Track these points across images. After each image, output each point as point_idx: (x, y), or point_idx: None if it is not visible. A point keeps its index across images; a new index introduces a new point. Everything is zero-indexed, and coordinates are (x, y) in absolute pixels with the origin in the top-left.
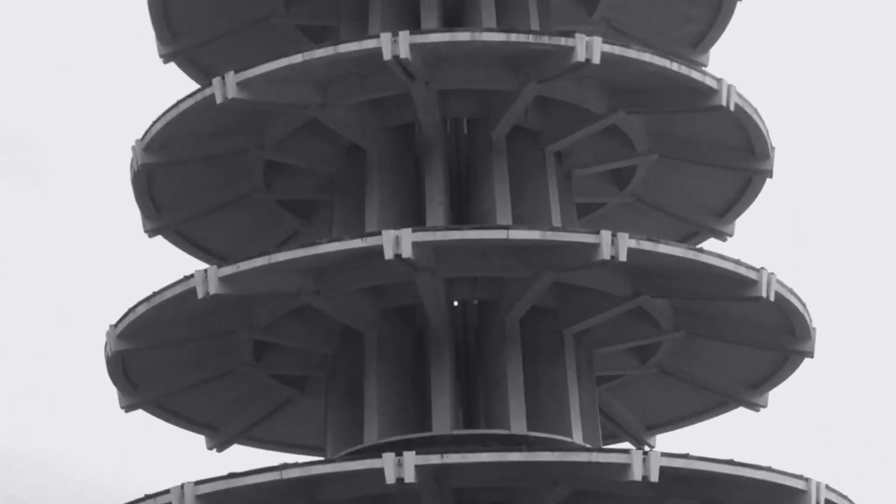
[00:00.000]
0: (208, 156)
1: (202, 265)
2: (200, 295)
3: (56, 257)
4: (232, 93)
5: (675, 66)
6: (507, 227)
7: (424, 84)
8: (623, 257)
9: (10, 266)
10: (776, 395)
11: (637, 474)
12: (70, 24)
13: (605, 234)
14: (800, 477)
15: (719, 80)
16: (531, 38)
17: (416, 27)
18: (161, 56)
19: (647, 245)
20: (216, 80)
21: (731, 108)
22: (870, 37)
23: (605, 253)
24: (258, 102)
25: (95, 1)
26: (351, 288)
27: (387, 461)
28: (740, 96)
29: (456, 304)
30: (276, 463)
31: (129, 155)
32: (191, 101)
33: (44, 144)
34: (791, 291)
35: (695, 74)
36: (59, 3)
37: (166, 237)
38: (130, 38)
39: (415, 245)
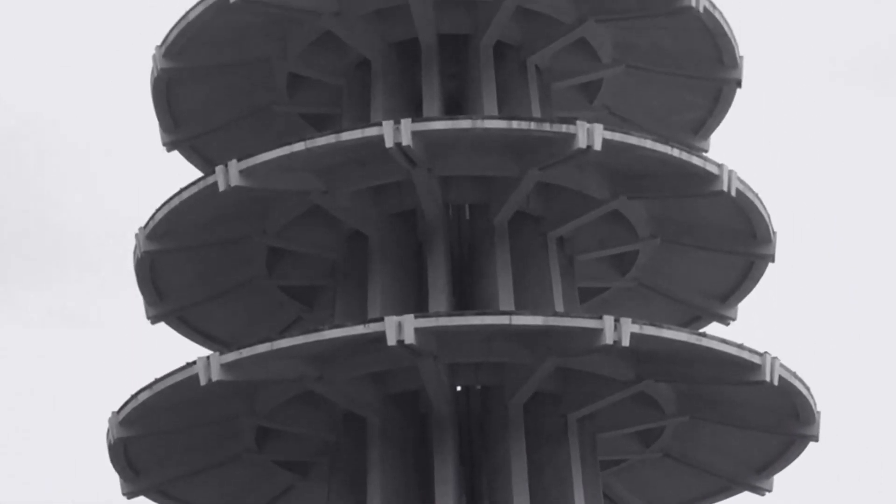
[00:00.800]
0: (211, 243)
1: (205, 351)
2: (203, 381)
3: (60, 344)
4: (235, 180)
5: (675, 152)
6: (509, 313)
7: (426, 171)
8: (626, 342)
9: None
10: (781, 479)
11: None
12: (75, 109)
13: (608, 320)
14: None
15: (720, 166)
16: (533, 126)
17: (417, 114)
18: (164, 144)
19: (650, 330)
20: (219, 168)
21: (733, 193)
22: (871, 123)
23: (609, 338)
24: (261, 190)
25: (99, 88)
26: (353, 374)
27: None
28: (741, 182)
29: (459, 389)
30: None
31: (132, 242)
32: (194, 189)
33: (47, 230)
34: (795, 375)
35: (696, 160)
36: (63, 88)
37: (169, 324)
38: (134, 126)
39: (417, 331)
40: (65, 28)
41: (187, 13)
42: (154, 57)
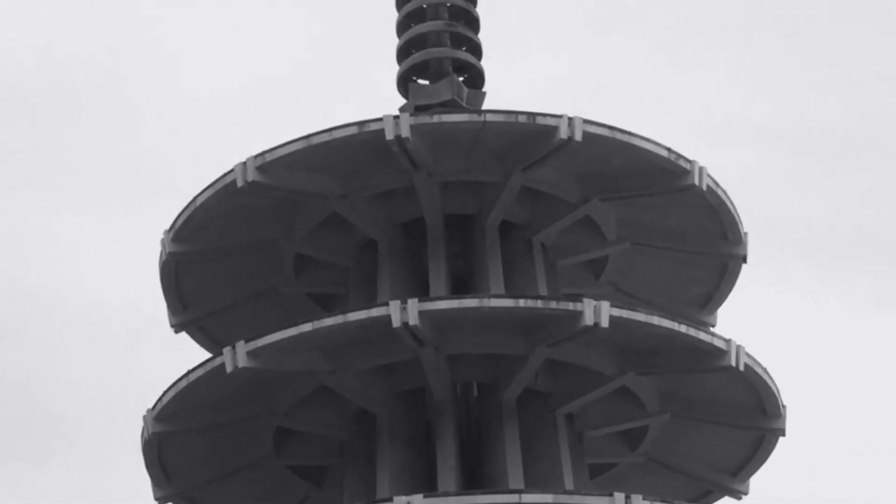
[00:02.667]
0: (218, 423)
1: None
2: None
3: None
4: (242, 362)
5: (683, 328)
6: (519, 491)
7: (434, 350)
8: None
9: None
10: None
11: None
12: (82, 290)
13: (619, 497)
14: None
15: (728, 341)
16: (540, 304)
17: (424, 293)
18: (172, 326)
19: None
20: (226, 350)
21: (741, 368)
22: (875, 295)
23: None
24: (268, 371)
25: (106, 266)
26: None
27: None
28: (749, 356)
29: None
30: None
31: (139, 424)
32: (201, 371)
33: (53, 412)
34: None
35: (703, 336)
36: (70, 268)
37: None
38: (143, 308)
39: None
40: (71, 209)
41: (195, 198)
42: (163, 241)
